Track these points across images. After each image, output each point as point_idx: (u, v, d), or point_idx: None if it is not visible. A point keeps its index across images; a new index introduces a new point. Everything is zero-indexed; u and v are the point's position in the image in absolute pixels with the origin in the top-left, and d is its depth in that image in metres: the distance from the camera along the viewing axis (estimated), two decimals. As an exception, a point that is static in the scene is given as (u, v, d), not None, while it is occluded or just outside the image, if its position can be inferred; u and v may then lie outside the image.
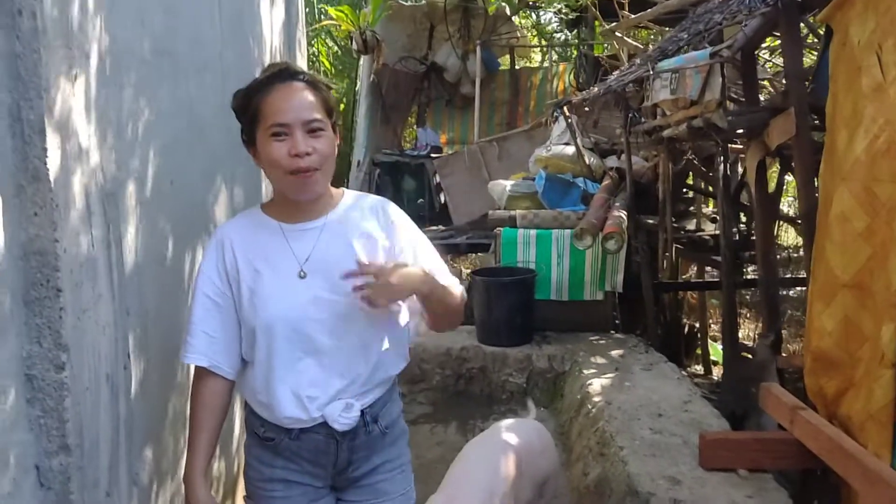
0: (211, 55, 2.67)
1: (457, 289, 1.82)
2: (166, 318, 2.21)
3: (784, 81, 4.32)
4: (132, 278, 1.90)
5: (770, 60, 5.43)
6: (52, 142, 1.39)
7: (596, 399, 3.81)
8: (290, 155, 1.59)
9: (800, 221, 4.50)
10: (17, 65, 1.34)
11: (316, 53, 9.25)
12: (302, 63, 4.36)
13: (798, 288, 7.58)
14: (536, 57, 11.17)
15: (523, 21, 10.57)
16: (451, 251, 7.13)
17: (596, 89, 4.82)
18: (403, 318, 1.81)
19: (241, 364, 1.76)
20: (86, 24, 1.57)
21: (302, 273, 1.67)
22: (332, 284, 1.67)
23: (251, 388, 1.74)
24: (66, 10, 1.47)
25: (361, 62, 8.67)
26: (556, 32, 10.35)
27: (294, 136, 1.59)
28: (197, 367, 1.73)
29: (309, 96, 1.63)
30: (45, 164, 1.37)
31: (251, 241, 1.71)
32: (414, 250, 1.78)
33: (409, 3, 9.35)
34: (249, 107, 1.65)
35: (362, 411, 1.73)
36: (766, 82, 5.08)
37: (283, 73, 1.66)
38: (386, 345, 1.75)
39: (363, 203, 1.80)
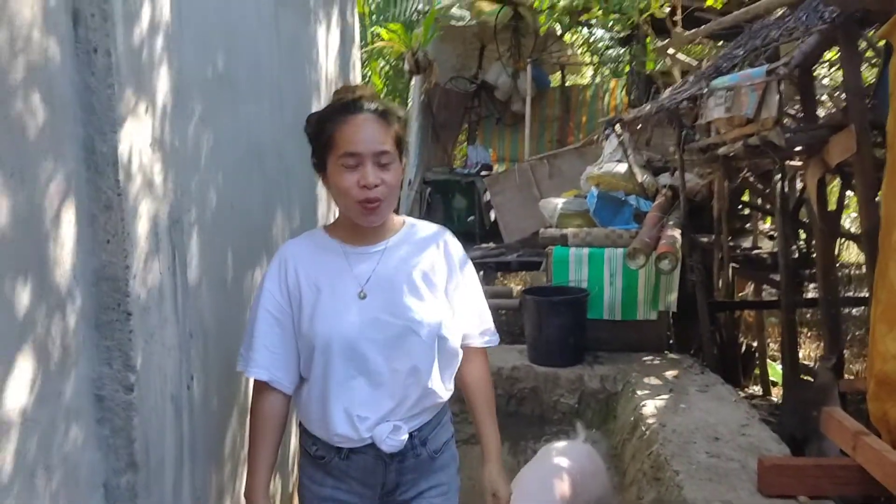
0: (269, 82, 2.75)
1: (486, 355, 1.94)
2: (225, 339, 2.27)
3: (843, 97, 4.23)
4: (195, 301, 1.96)
5: (828, 76, 5.32)
6: (123, 173, 1.45)
7: (650, 421, 3.76)
8: (360, 186, 1.65)
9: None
10: (91, 99, 1.41)
11: (368, 74, 9.39)
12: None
13: (861, 307, 7.38)
14: (587, 73, 11.14)
15: (574, 38, 10.56)
16: (501, 269, 7.12)
17: (648, 107, 4.79)
18: (456, 345, 1.82)
19: (298, 380, 1.79)
20: (154, 58, 1.64)
21: (362, 294, 1.71)
22: (389, 307, 1.71)
23: (306, 405, 1.78)
24: (137, 46, 1.54)
25: (413, 82, 8.77)
26: (608, 49, 10.32)
27: (364, 167, 1.65)
28: (257, 382, 1.78)
29: (381, 128, 1.68)
30: (118, 194, 1.43)
31: (314, 261, 1.76)
32: (467, 287, 1.86)
33: (459, 24, 9.43)
34: (323, 134, 1.70)
35: (411, 434, 1.75)
36: (824, 97, 4.98)
37: (357, 104, 1.70)
38: (437, 371, 1.78)
39: (424, 231, 1.86)
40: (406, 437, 1.74)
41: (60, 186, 1.33)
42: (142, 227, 1.53)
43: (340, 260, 1.75)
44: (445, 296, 1.80)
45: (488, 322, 1.93)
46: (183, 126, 1.90)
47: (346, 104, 1.70)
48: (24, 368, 1.22)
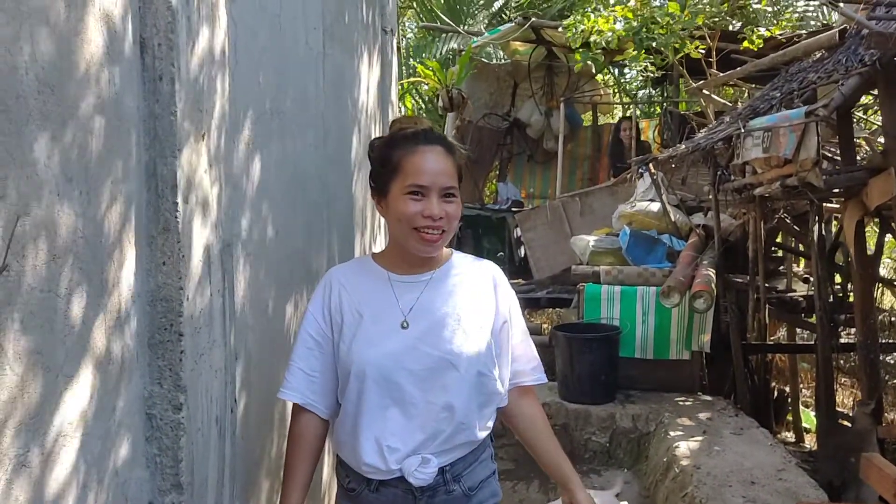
0: (314, 113, 2.81)
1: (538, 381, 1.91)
2: (266, 362, 2.30)
3: (882, 140, 4.21)
4: (240, 324, 1.99)
5: (865, 118, 5.30)
6: (181, 196, 1.50)
7: (684, 462, 3.70)
8: (424, 216, 1.66)
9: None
10: (155, 125, 1.46)
11: (403, 109, 9.53)
12: (391, 119, 4.51)
13: (897, 354, 7.23)
14: (618, 113, 11.19)
15: (606, 77, 10.64)
16: (530, 305, 7.09)
17: (683, 146, 4.80)
18: (497, 384, 1.81)
19: (336, 406, 1.79)
20: (212, 87, 1.69)
21: (405, 323, 1.70)
22: (429, 338, 1.70)
23: (339, 432, 1.77)
24: (197, 75, 1.59)
25: (446, 119, 8.88)
26: (640, 89, 10.37)
27: (430, 199, 1.66)
28: (294, 406, 1.78)
29: (448, 163, 1.71)
30: (176, 217, 1.47)
31: (358, 287, 1.76)
32: (515, 325, 1.85)
33: (493, 62, 9.56)
34: (390, 160, 1.70)
35: (442, 469, 1.71)
36: (861, 140, 4.95)
37: (427, 136, 1.72)
38: (473, 408, 1.75)
39: (472, 264, 1.86)
40: (435, 471, 1.70)
41: (123, 208, 1.38)
42: (196, 250, 1.56)
43: (386, 287, 1.75)
44: (491, 333, 1.77)
45: (537, 359, 1.91)
46: (235, 154, 1.96)
47: (416, 134, 1.72)
48: (82, 382, 1.25)
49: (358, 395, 1.69)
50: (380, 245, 4.21)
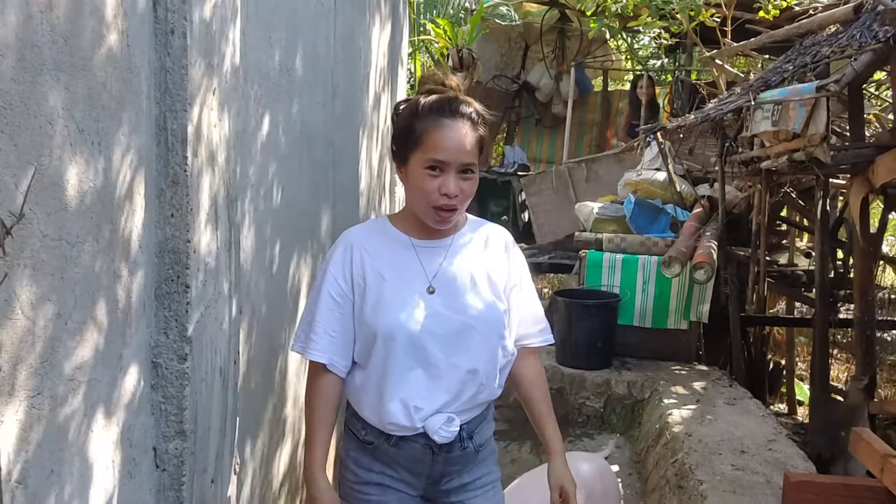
0: (323, 71, 2.81)
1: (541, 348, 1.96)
2: (269, 318, 2.34)
3: (891, 117, 4.19)
4: (245, 280, 2.02)
5: (876, 95, 5.26)
6: (191, 150, 1.51)
7: (675, 430, 3.76)
8: (440, 193, 1.66)
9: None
10: (166, 79, 1.47)
11: (413, 67, 9.44)
12: (402, 79, 4.49)
13: (894, 332, 7.27)
14: (629, 79, 11.08)
15: (619, 43, 10.52)
16: (532, 270, 7.12)
17: (692, 116, 4.78)
18: (511, 346, 1.86)
19: (350, 365, 1.82)
20: (223, 42, 1.69)
21: (431, 288, 1.74)
22: (453, 302, 1.74)
23: (360, 391, 1.79)
24: (209, 29, 1.59)
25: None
26: (652, 57, 10.25)
27: (447, 175, 1.66)
28: (314, 365, 1.78)
29: (470, 138, 1.67)
30: (185, 170, 1.49)
31: (381, 250, 1.77)
32: (524, 288, 1.89)
33: (505, 23, 9.45)
34: (413, 131, 1.69)
35: (461, 426, 1.78)
36: (871, 117, 4.92)
37: (453, 107, 1.68)
38: (493, 370, 1.81)
39: (487, 230, 1.88)
40: (458, 429, 1.77)
41: (134, 160, 1.39)
42: (203, 204, 1.59)
43: (409, 252, 1.77)
44: (504, 296, 1.82)
45: (544, 321, 1.95)
46: (243, 109, 1.97)
47: (441, 105, 1.68)
48: (91, 329, 1.28)
49: (384, 358, 1.72)
50: (385, 205, 4.23)
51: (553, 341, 1.96)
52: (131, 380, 1.44)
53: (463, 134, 1.66)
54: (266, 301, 2.28)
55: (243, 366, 2.11)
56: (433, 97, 1.71)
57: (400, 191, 4.55)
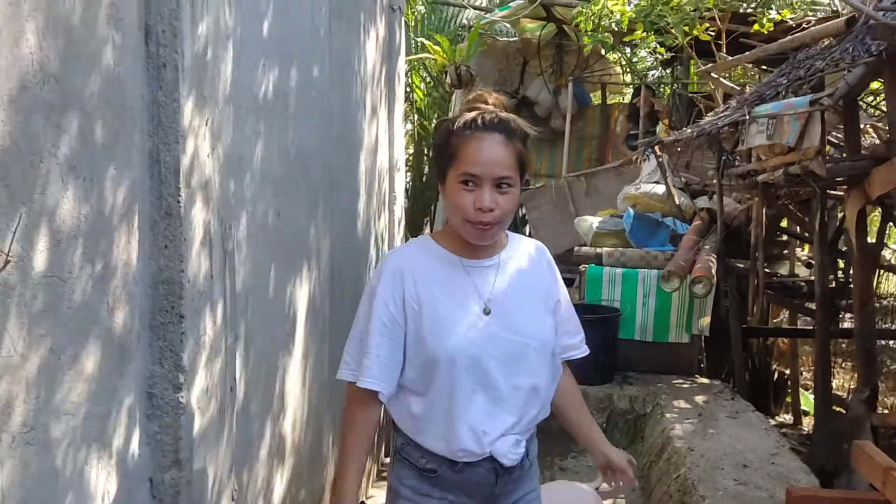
0: (319, 95, 2.83)
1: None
2: (267, 343, 2.35)
3: (887, 129, 4.20)
4: (241, 305, 2.03)
5: (873, 105, 5.27)
6: (184, 181, 1.53)
7: (678, 444, 3.75)
8: (475, 207, 1.63)
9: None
10: (158, 112, 1.49)
11: (411, 85, 9.48)
12: (399, 99, 4.52)
13: (898, 340, 7.25)
14: (628, 93, 11.12)
15: (617, 57, 10.56)
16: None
17: (689, 130, 4.80)
18: (559, 361, 1.86)
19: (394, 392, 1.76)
20: (216, 72, 1.71)
21: (486, 309, 1.71)
22: (508, 323, 1.72)
23: (423, 419, 1.73)
24: (201, 61, 1.61)
25: (454, 94, 8.84)
26: (650, 70, 10.29)
27: (482, 189, 1.63)
28: (361, 392, 1.72)
29: (505, 151, 1.64)
30: (178, 201, 1.51)
31: (432, 271, 1.73)
32: (565, 301, 1.88)
33: (503, 39, 9.49)
34: (448, 147, 1.67)
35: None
36: (869, 128, 4.93)
37: (486, 121, 1.65)
38: (551, 387, 1.81)
39: (528, 246, 1.87)
40: (524, 450, 1.77)
41: (127, 193, 1.41)
42: (197, 234, 1.60)
43: (459, 271, 1.74)
44: (552, 312, 1.82)
45: (581, 331, 1.93)
46: (237, 137, 1.98)
47: (475, 119, 1.65)
48: (85, 363, 1.29)
49: (449, 384, 1.67)
50: (384, 223, 4.24)
51: (588, 351, 1.94)
52: (126, 411, 1.44)
53: (496, 147, 1.63)
54: (262, 326, 2.29)
55: (241, 391, 2.12)
56: (469, 113, 1.68)
57: (398, 209, 4.57)
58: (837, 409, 4.84)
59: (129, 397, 1.45)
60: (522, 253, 1.83)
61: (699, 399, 4.48)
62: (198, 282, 1.61)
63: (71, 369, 1.25)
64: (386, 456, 4.53)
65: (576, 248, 5.49)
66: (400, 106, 4.57)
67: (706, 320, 4.80)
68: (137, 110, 1.45)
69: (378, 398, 1.73)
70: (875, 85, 4.86)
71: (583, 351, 1.91)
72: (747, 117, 3.71)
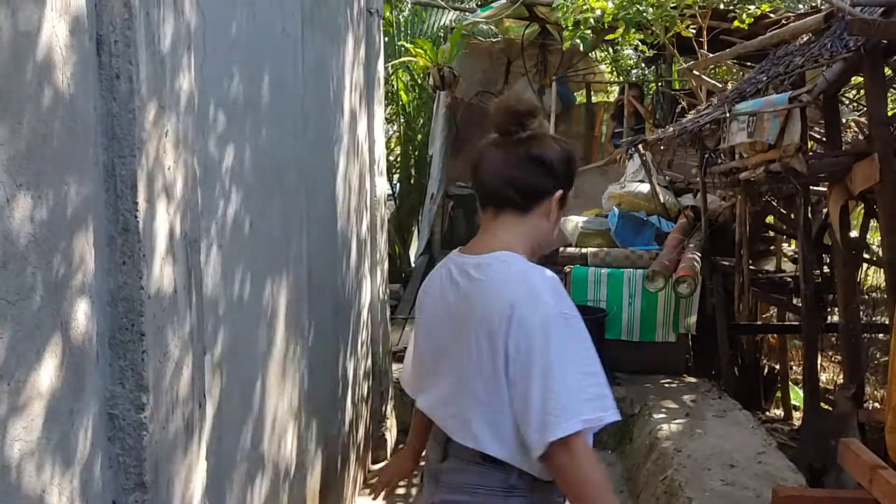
0: (292, 101, 2.79)
1: None
2: (243, 356, 2.30)
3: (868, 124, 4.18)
4: (210, 319, 1.99)
5: (855, 100, 5.27)
6: (142, 195, 1.49)
7: (665, 445, 3.73)
8: None
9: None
10: (113, 125, 1.45)
11: (395, 88, 9.44)
12: (379, 102, 4.48)
13: (888, 334, 7.24)
14: (613, 91, 11.12)
15: (600, 55, 10.55)
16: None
17: (671, 129, 4.78)
18: None
19: None
20: (177, 81, 1.67)
21: None
22: None
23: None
24: (160, 71, 1.57)
25: (438, 96, 8.81)
26: (634, 68, 10.28)
27: None
28: (583, 440, 1.48)
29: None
30: (136, 216, 1.46)
31: None
32: None
33: (486, 40, 9.46)
34: (572, 173, 1.68)
35: None
36: (850, 122, 4.93)
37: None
38: None
39: None
40: None
41: (80, 209, 1.36)
42: (158, 248, 1.56)
43: None
44: None
45: None
46: (204, 146, 1.94)
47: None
48: (37, 387, 1.25)
49: None
50: (365, 226, 4.20)
51: None
52: (85, 434, 1.40)
53: None
54: (237, 338, 2.25)
55: (214, 407, 2.08)
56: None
57: (381, 212, 4.52)
58: (826, 405, 4.83)
59: (87, 419, 1.41)
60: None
61: (687, 398, 4.46)
62: (160, 298, 1.56)
63: (20, 394, 1.20)
64: (374, 463, 4.49)
65: (560, 249, 5.46)
66: (380, 109, 4.53)
67: (693, 319, 4.78)
68: (90, 123, 1.41)
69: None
70: (858, 79, 4.86)
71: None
72: (728, 115, 3.69)
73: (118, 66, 1.45)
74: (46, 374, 1.28)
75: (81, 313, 1.37)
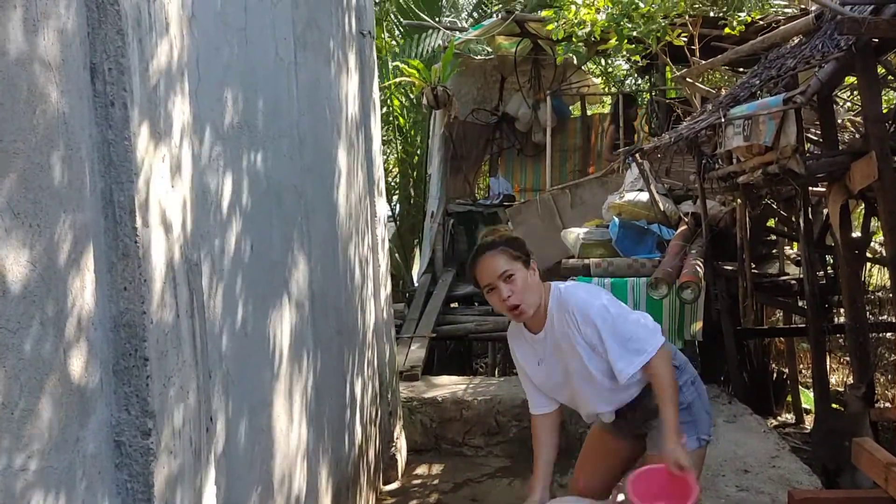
0: (287, 123, 2.80)
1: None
2: (247, 377, 2.29)
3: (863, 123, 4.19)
4: (214, 342, 1.98)
5: (849, 100, 5.28)
6: (141, 220, 1.49)
7: (678, 453, 3.70)
8: (502, 300, 2.22)
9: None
10: (109, 152, 1.45)
11: (391, 109, 9.49)
12: (375, 123, 4.50)
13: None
14: (608, 103, 11.17)
15: (593, 68, 10.60)
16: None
17: (667, 136, 4.78)
18: None
19: None
20: (172, 108, 1.68)
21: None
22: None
23: None
24: (154, 97, 1.58)
25: (433, 116, 8.84)
26: (627, 77, 10.33)
27: (499, 288, 2.21)
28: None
29: (500, 258, 2.22)
30: (135, 242, 1.46)
31: None
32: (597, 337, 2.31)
33: (479, 58, 9.51)
34: (472, 276, 2.29)
35: None
36: (847, 123, 4.94)
37: (482, 248, 2.26)
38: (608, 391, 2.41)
39: (558, 314, 2.32)
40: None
41: (78, 237, 1.37)
42: (158, 273, 1.56)
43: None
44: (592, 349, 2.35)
45: (633, 344, 2.38)
46: (200, 171, 1.95)
47: (476, 251, 2.28)
48: (41, 415, 1.24)
49: None
50: (367, 246, 4.21)
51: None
52: (92, 462, 1.39)
53: (493, 260, 2.22)
54: (242, 361, 2.24)
55: (222, 429, 2.07)
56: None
57: (381, 231, 4.53)
58: (837, 406, 4.79)
59: (94, 447, 1.40)
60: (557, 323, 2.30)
61: (697, 405, 4.42)
62: (162, 322, 1.56)
63: (25, 423, 1.20)
64: (385, 484, 4.46)
65: (563, 261, 5.45)
66: (377, 128, 4.55)
67: (698, 325, 4.75)
68: (86, 151, 1.41)
69: None
70: (851, 80, 4.88)
71: (640, 360, 2.27)
72: (723, 120, 3.70)
73: (112, 94, 1.46)
74: (51, 402, 1.27)
75: (84, 340, 1.37)
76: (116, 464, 1.48)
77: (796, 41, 3.90)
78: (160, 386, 1.54)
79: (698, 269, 4.34)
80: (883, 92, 4.07)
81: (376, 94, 4.55)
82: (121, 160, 1.46)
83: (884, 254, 6.79)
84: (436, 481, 4.66)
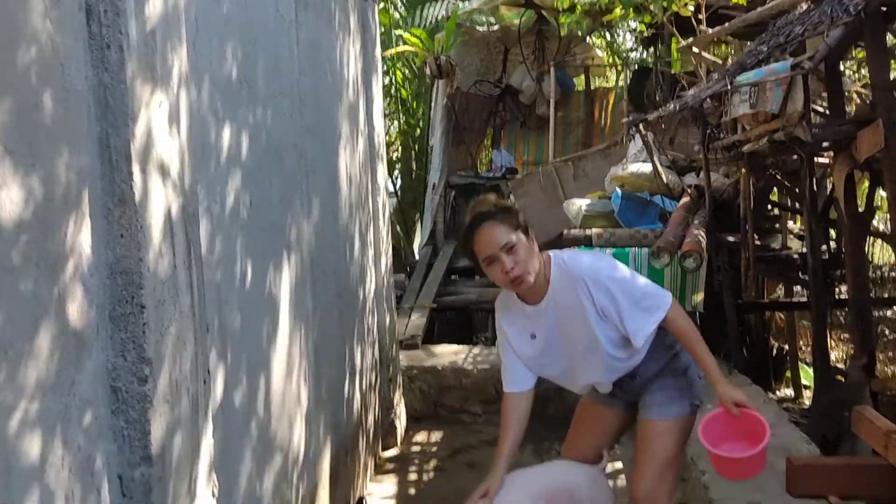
0: (287, 82, 2.77)
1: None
2: (246, 334, 2.29)
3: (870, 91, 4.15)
4: (212, 296, 1.97)
5: (855, 71, 5.22)
6: (137, 166, 1.47)
7: (676, 422, 3.70)
8: (503, 273, 2.14)
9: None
10: (105, 95, 1.43)
11: (393, 81, 9.42)
12: (377, 88, 4.46)
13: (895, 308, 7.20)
14: (612, 76, 11.07)
15: (598, 41, 10.51)
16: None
17: (672, 106, 4.74)
18: None
19: None
20: (170, 55, 1.65)
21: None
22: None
23: None
24: (151, 42, 1.55)
25: (436, 86, 8.78)
26: (632, 50, 10.24)
27: (500, 260, 2.14)
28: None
29: (500, 228, 2.15)
30: (131, 188, 1.44)
31: None
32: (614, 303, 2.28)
33: (483, 29, 9.43)
34: (468, 249, 2.21)
35: None
36: (854, 94, 4.89)
37: (479, 218, 2.18)
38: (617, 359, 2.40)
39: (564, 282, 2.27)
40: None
41: (75, 180, 1.35)
42: (155, 221, 1.54)
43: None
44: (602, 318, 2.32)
45: (649, 303, 2.39)
46: (199, 122, 1.92)
47: (472, 221, 2.19)
48: (36, 358, 1.23)
49: None
50: (368, 212, 4.19)
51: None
52: (87, 406, 1.38)
53: (493, 230, 2.14)
54: (240, 317, 2.24)
55: (220, 384, 2.06)
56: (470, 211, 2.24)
57: (381, 199, 4.51)
58: (837, 378, 4.79)
59: (90, 391, 1.39)
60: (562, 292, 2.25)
61: (696, 375, 4.42)
62: (159, 271, 1.55)
63: (19, 364, 1.19)
64: (384, 450, 4.48)
65: (565, 231, 5.44)
66: (379, 95, 4.51)
67: (699, 296, 4.74)
68: (82, 93, 1.39)
69: None
70: (861, 55, 4.81)
71: (656, 317, 2.25)
72: (729, 87, 3.66)
73: (108, 36, 1.43)
74: (46, 345, 1.26)
75: (80, 285, 1.36)
76: (113, 409, 1.47)
77: (804, 7, 3.85)
78: (157, 334, 1.53)
79: (701, 238, 4.33)
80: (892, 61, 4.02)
81: (378, 61, 4.51)
82: (117, 104, 1.44)
83: (887, 231, 6.77)
84: (434, 448, 4.68)
